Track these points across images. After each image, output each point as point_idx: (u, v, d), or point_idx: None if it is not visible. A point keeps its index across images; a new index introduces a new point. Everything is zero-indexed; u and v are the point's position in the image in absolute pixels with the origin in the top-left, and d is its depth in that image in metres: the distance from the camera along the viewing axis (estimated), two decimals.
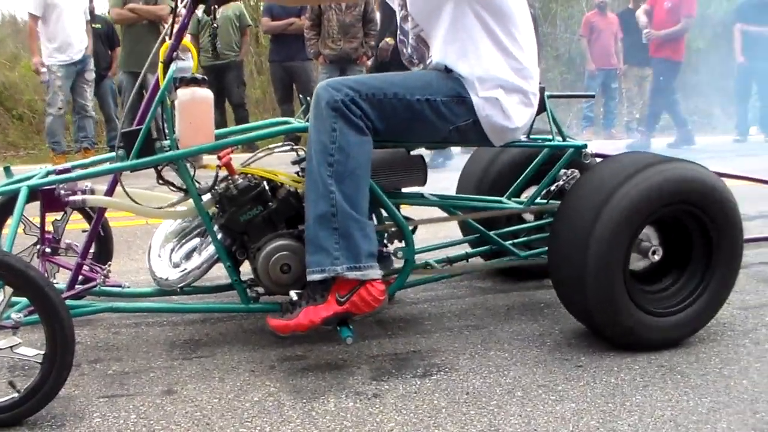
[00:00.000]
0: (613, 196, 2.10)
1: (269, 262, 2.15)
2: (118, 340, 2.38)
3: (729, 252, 2.22)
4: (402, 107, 2.13)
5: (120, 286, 2.33)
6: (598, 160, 2.57)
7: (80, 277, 2.31)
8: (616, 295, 2.12)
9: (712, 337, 2.34)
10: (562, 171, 2.58)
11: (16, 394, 1.82)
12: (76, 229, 2.66)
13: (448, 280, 2.86)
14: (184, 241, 2.41)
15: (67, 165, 2.27)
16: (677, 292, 2.26)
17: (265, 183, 2.20)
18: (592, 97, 2.61)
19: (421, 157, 2.38)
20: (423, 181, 2.35)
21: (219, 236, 2.22)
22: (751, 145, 8.44)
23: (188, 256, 2.35)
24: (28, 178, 2.21)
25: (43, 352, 1.80)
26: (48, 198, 2.19)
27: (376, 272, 2.08)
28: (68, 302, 2.14)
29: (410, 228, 2.32)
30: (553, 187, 2.62)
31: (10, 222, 2.10)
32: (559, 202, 2.50)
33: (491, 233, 2.54)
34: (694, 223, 2.22)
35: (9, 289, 1.79)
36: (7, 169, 2.28)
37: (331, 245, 2.04)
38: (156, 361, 2.22)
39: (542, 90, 2.37)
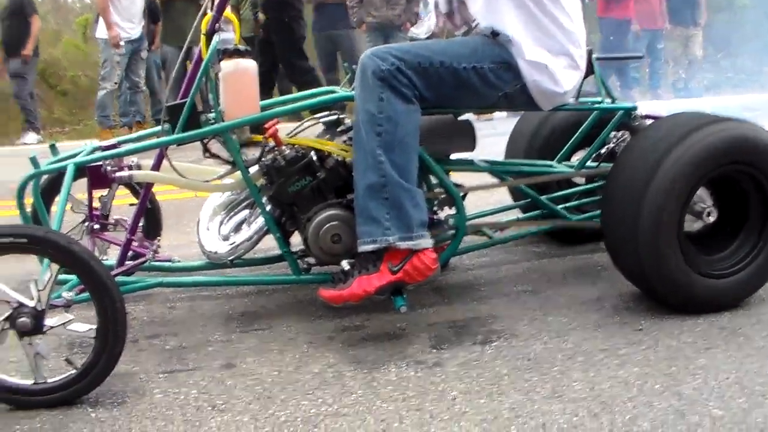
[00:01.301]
0: (666, 158, 2.04)
1: (320, 232, 2.14)
2: (174, 315, 2.39)
3: None
4: (448, 75, 2.09)
5: (170, 261, 2.34)
6: (648, 121, 2.51)
7: (130, 253, 2.32)
8: (670, 258, 2.08)
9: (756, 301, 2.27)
10: (613, 134, 2.52)
11: (74, 371, 1.83)
12: (125, 203, 2.67)
13: (502, 245, 2.81)
14: (232, 213, 2.41)
15: (113, 141, 2.27)
16: (734, 252, 2.20)
17: (312, 153, 2.18)
18: (641, 58, 2.55)
19: (469, 122, 2.34)
20: (472, 147, 2.31)
21: (268, 208, 2.21)
22: None
23: (237, 229, 2.35)
24: (74, 155, 2.20)
25: (95, 327, 1.80)
26: (95, 174, 2.20)
27: (427, 241, 2.06)
28: (119, 279, 2.17)
29: (460, 194, 2.29)
30: (603, 150, 2.56)
31: (58, 200, 2.10)
32: (610, 165, 2.45)
33: (542, 198, 2.50)
34: (750, 183, 2.16)
35: (56, 267, 1.79)
36: (53, 147, 2.28)
37: (382, 215, 2.02)
38: (213, 335, 2.23)
39: (590, 52, 2.31)
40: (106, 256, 2.40)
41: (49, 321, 1.80)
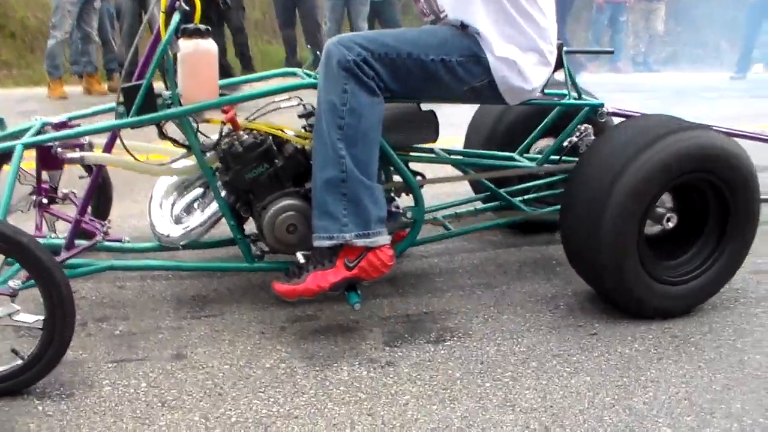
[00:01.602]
0: (633, 161, 2.04)
1: (275, 222, 2.09)
2: (124, 296, 2.33)
3: (745, 219, 2.18)
4: (416, 67, 2.03)
5: (120, 241, 2.27)
6: (614, 119, 2.50)
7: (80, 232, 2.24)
8: (629, 262, 2.09)
9: (725, 304, 2.32)
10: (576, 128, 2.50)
11: (20, 361, 1.78)
12: (74, 175, 2.57)
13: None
14: (185, 192, 2.34)
15: (63, 117, 2.15)
16: (690, 260, 2.22)
17: (270, 139, 2.11)
18: (611, 53, 2.50)
19: (433, 112, 2.28)
20: (434, 137, 2.26)
21: (222, 193, 2.15)
22: (748, 82, 8.32)
23: (189, 209, 2.29)
24: (23, 132, 2.10)
25: (42, 317, 1.75)
26: (44, 154, 2.09)
27: (384, 238, 2.04)
28: (69, 262, 2.09)
29: (419, 185, 2.25)
30: (566, 143, 2.55)
31: (5, 177, 2.01)
32: (572, 159, 2.44)
33: (501, 190, 2.48)
34: (711, 191, 2.17)
35: (0, 257, 1.71)
36: (0, 121, 2.17)
37: (340, 211, 1.98)
38: (164, 321, 2.18)
39: (560, 46, 2.27)
40: (54, 233, 2.31)
41: None
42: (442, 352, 2.04)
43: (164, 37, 1.97)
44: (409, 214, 2.22)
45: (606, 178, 2.05)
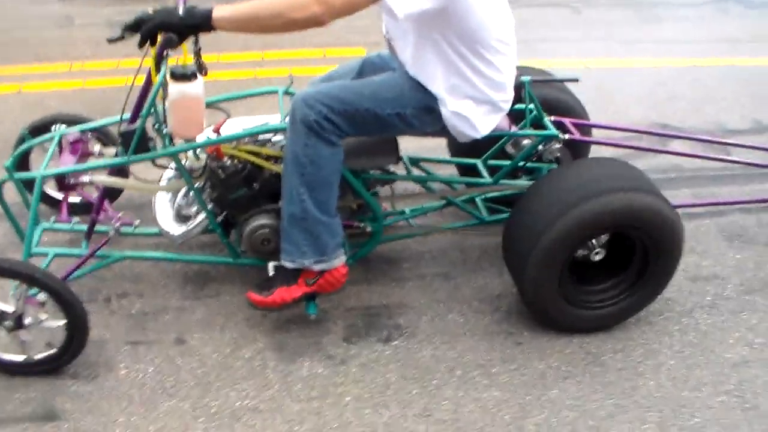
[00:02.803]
0: (562, 216, 2.27)
1: (252, 236, 2.49)
2: (141, 270, 2.82)
3: (662, 272, 2.45)
4: (373, 119, 2.29)
5: (131, 225, 2.70)
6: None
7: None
8: (545, 290, 2.40)
9: (649, 317, 2.62)
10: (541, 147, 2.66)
11: (54, 350, 2.34)
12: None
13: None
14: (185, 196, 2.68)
15: (77, 131, 2.49)
16: (606, 290, 2.51)
17: (249, 166, 2.44)
18: (576, 81, 2.51)
19: (394, 139, 2.52)
20: (395, 161, 2.55)
21: (209, 206, 2.51)
22: None
23: (189, 208, 2.64)
24: (46, 141, 2.53)
25: (65, 321, 2.27)
26: (59, 178, 2.47)
27: (340, 260, 2.42)
28: (100, 252, 2.56)
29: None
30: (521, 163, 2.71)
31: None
32: (527, 182, 2.67)
33: (457, 200, 2.77)
34: (639, 240, 2.41)
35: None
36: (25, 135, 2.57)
37: (300, 241, 2.35)
38: (170, 300, 2.69)
39: (521, 84, 2.45)
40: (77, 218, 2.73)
41: (27, 320, 2.28)
42: (387, 353, 2.48)
43: (155, 82, 2.25)
44: (368, 228, 2.58)
45: (534, 228, 2.33)
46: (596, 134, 3.12)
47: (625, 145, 3.08)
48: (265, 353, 2.48)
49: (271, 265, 2.50)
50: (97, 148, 2.54)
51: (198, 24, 2.01)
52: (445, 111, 2.30)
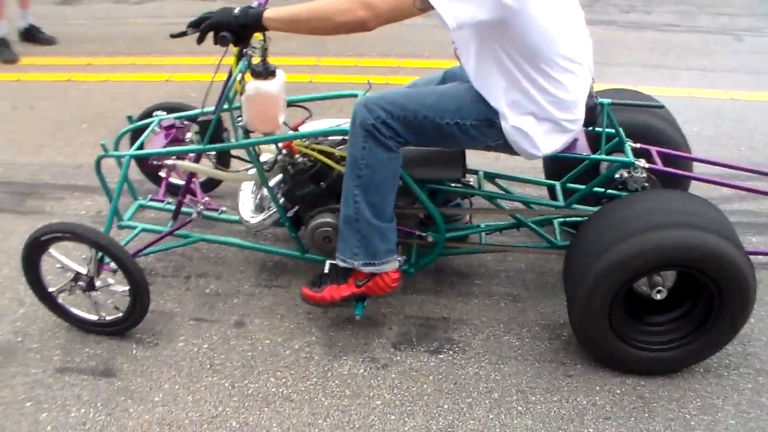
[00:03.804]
0: (622, 241, 2.13)
1: (315, 233, 2.56)
2: (225, 253, 3.00)
3: (728, 323, 2.21)
4: (432, 128, 2.27)
5: (217, 210, 2.86)
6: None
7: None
8: (597, 322, 2.25)
9: (721, 370, 2.37)
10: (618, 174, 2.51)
11: (120, 314, 2.56)
12: None
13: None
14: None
15: (173, 118, 2.74)
16: (663, 332, 2.31)
17: (319, 165, 2.52)
18: (661, 107, 2.29)
19: (462, 152, 2.51)
20: (461, 175, 2.51)
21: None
22: None
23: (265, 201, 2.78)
24: (146, 127, 2.79)
25: (128, 288, 2.48)
26: (146, 162, 2.72)
27: (390, 266, 2.42)
28: (180, 232, 2.77)
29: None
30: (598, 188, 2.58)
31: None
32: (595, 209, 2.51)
33: (527, 220, 2.65)
34: (705, 285, 2.20)
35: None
36: (129, 118, 2.84)
37: (353, 242, 2.39)
38: (244, 285, 2.83)
39: (596, 106, 2.33)
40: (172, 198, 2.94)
41: (98, 282, 2.53)
42: (431, 364, 2.45)
43: (234, 74, 2.40)
44: (430, 238, 2.55)
45: (588, 256, 2.20)
46: (706, 171, 2.86)
47: (725, 183, 2.73)
48: (314, 347, 2.54)
49: (328, 262, 2.56)
50: (188, 135, 2.75)
51: (249, 23, 2.12)
52: (506, 125, 2.24)
